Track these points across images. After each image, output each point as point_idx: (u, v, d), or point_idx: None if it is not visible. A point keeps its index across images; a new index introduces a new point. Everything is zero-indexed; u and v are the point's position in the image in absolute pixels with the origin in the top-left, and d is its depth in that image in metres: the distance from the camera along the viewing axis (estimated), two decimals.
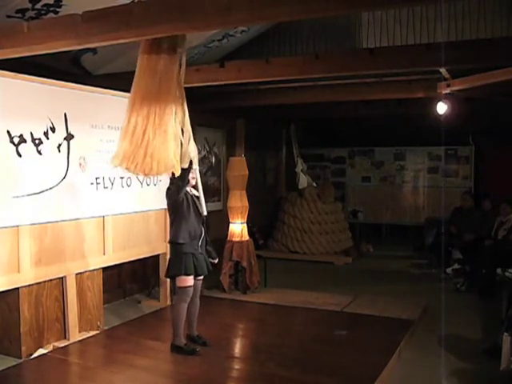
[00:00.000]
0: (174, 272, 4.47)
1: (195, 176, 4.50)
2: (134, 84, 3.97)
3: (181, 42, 3.97)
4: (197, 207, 4.49)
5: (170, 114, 4.04)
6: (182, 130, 4.16)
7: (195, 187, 4.59)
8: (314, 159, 11.87)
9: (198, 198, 4.56)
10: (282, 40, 6.63)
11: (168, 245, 4.86)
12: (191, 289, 4.45)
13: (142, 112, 3.86)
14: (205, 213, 4.55)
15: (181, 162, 4.15)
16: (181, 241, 4.40)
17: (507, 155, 9.79)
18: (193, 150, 4.22)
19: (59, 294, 4.87)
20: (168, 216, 4.67)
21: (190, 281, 4.42)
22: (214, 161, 8.53)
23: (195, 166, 4.33)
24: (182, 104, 4.12)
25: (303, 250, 9.39)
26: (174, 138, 4.10)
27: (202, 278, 4.61)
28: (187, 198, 4.44)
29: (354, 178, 11.60)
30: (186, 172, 4.19)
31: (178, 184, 4.31)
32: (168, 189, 4.45)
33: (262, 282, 6.97)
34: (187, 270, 4.38)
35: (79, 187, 4.99)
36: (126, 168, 3.98)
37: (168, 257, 4.94)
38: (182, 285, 4.44)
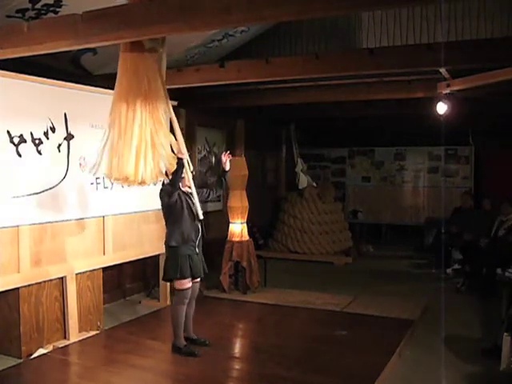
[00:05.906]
0: (169, 275, 4.43)
1: (189, 180, 4.38)
2: (117, 85, 3.95)
3: (161, 42, 3.98)
4: (191, 209, 4.38)
5: (162, 115, 4.04)
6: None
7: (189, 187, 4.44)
8: (314, 159, 11.87)
9: (192, 196, 4.41)
10: (281, 40, 6.62)
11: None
12: (189, 291, 4.42)
13: (131, 114, 3.86)
14: (201, 217, 4.37)
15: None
16: (173, 243, 4.36)
17: (507, 155, 9.78)
18: (185, 153, 4.21)
19: (59, 294, 4.87)
20: (163, 217, 4.56)
21: (187, 283, 4.39)
22: (214, 161, 8.52)
23: (189, 172, 4.29)
24: (168, 104, 4.12)
25: (303, 250, 9.38)
26: (166, 141, 4.09)
27: (198, 280, 4.57)
28: (181, 200, 4.36)
29: (354, 177, 11.59)
30: (177, 177, 4.19)
31: (168, 189, 4.28)
32: (161, 190, 4.37)
33: (262, 282, 6.97)
34: (183, 273, 4.34)
35: (79, 187, 4.99)
36: (116, 179, 3.97)
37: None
38: (180, 287, 4.41)
